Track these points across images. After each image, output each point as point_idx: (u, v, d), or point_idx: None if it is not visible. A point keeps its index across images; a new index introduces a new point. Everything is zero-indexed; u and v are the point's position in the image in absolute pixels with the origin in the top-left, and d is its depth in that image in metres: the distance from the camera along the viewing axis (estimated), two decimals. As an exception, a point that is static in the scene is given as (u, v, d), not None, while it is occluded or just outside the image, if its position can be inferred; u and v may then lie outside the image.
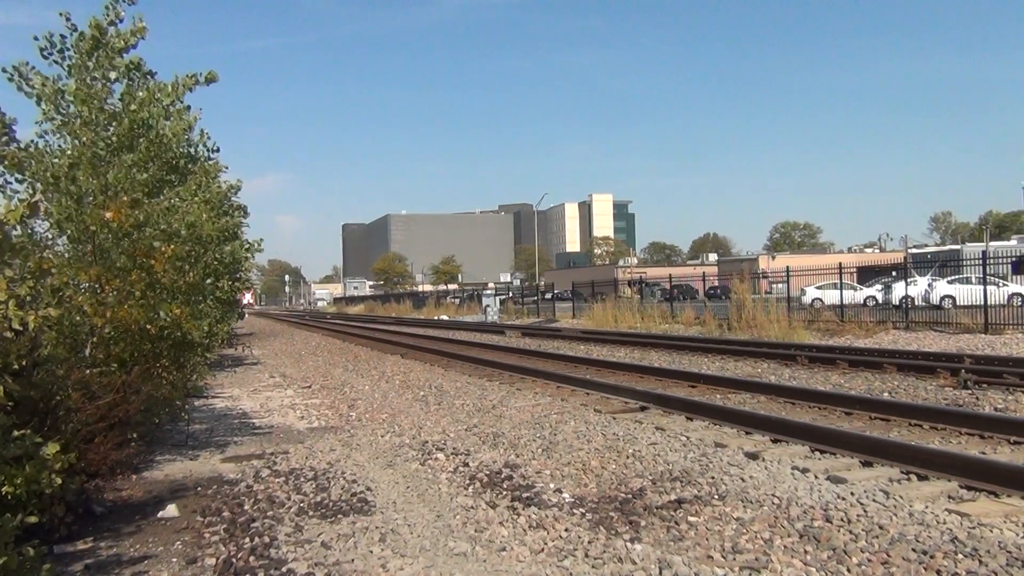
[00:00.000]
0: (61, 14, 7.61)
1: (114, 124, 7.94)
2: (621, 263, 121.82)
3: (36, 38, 7.59)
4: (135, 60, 8.00)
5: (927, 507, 5.60)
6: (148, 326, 7.90)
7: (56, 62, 7.79)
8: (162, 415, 9.21)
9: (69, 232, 7.68)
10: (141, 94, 8.12)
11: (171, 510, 6.53)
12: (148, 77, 8.56)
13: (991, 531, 5.08)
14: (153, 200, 8.12)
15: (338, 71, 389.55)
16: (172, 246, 7.73)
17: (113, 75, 7.89)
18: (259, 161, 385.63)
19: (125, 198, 7.09)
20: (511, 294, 63.87)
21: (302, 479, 7.39)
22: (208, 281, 9.59)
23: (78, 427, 6.49)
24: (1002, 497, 5.78)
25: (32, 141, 7.66)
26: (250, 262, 18.60)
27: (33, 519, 4.56)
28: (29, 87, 7.63)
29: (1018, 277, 30.91)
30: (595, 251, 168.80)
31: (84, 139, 7.47)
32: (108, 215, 6.97)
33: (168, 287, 8.11)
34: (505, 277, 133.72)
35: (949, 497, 5.93)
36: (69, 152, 7.54)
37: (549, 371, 14.80)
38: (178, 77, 8.50)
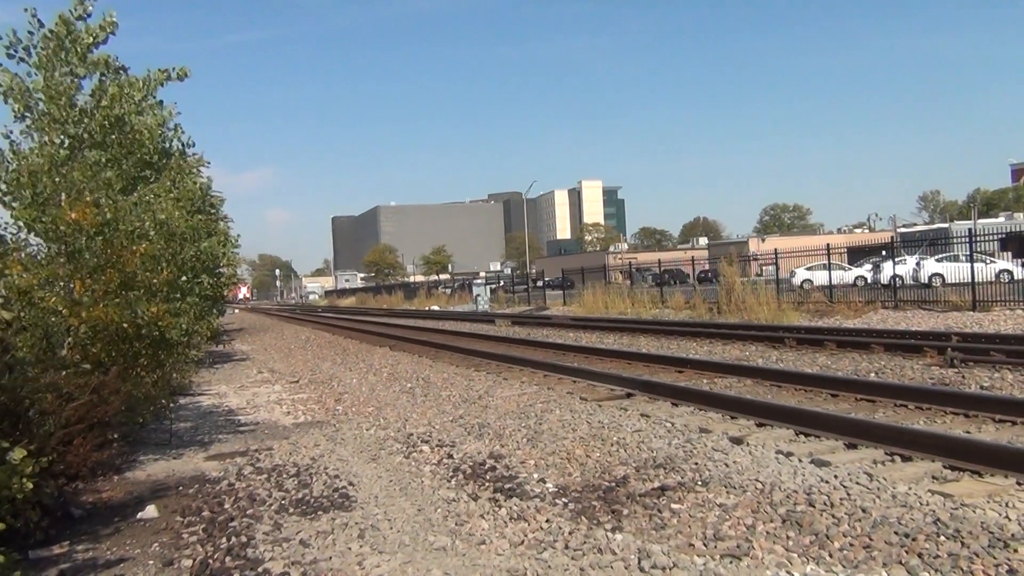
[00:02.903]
0: (26, 10, 7.47)
1: (85, 120, 7.81)
2: (612, 249, 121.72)
3: (0, 37, 7.46)
4: (103, 57, 7.86)
5: (910, 489, 5.56)
6: (125, 325, 7.80)
7: (23, 59, 7.67)
8: (146, 415, 9.13)
9: (40, 233, 7.57)
10: (112, 90, 7.99)
11: (151, 511, 6.45)
12: (120, 73, 8.44)
13: (974, 512, 5.05)
14: (120, 198, 7.99)
15: (325, 64, 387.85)
16: (144, 244, 7.62)
17: (82, 71, 7.76)
18: (247, 156, 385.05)
19: (88, 198, 6.97)
20: (502, 283, 63.77)
21: (284, 476, 7.33)
22: (183, 279, 9.48)
23: (53, 430, 6.41)
24: (985, 477, 5.74)
25: None
26: (236, 257, 18.47)
27: (0, 526, 4.47)
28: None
29: (1005, 254, 31.00)
30: (586, 238, 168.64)
31: (52, 138, 7.34)
32: (73, 215, 6.87)
33: (144, 285, 8.01)
34: (496, 266, 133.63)
35: (933, 478, 5.89)
36: (36, 151, 7.41)
37: (537, 360, 14.75)
38: (150, 72, 8.39)
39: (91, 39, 8.10)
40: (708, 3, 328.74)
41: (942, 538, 4.61)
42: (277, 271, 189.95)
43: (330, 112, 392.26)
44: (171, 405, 10.62)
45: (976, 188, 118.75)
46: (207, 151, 10.97)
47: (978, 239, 25.28)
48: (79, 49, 8.01)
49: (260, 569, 4.81)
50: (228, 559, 5.05)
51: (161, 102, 9.39)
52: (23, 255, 7.32)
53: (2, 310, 4.55)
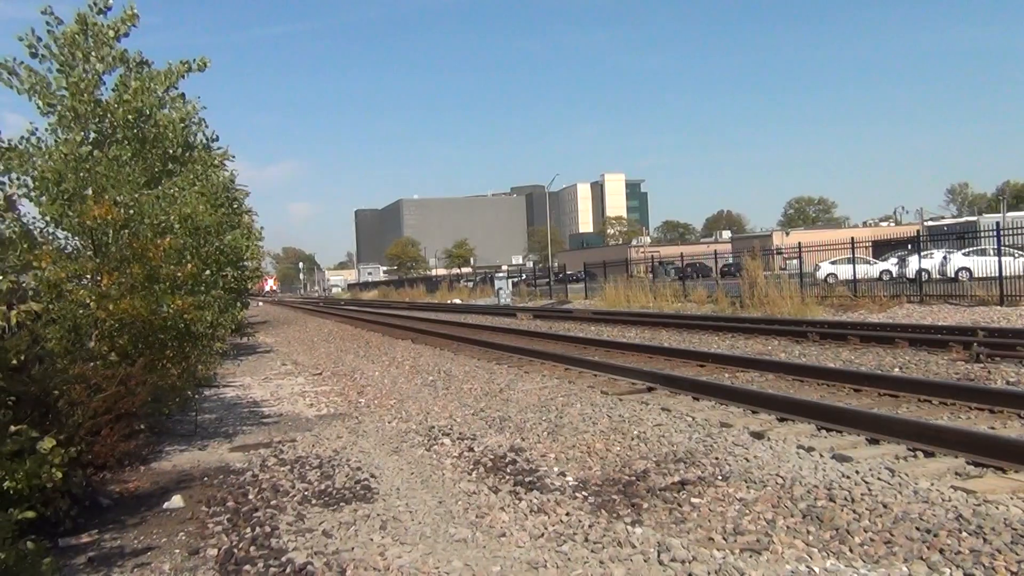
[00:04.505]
0: (43, 12, 7.59)
1: (108, 116, 7.92)
2: (634, 242, 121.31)
3: (21, 39, 7.58)
4: (120, 52, 7.96)
5: (932, 484, 5.53)
6: (151, 318, 7.91)
7: (44, 57, 7.79)
8: (172, 406, 9.25)
9: (67, 228, 7.69)
10: (135, 83, 8.09)
11: (176, 501, 6.56)
12: (143, 66, 8.54)
13: (997, 508, 5.01)
14: (145, 192, 8.10)
15: (348, 57, 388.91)
16: (168, 238, 7.72)
17: (101, 67, 7.86)
18: (272, 149, 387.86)
19: (108, 196, 7.08)
20: (524, 276, 63.79)
21: (307, 467, 7.41)
22: (207, 272, 9.59)
23: (82, 420, 6.52)
24: (1009, 473, 5.70)
25: (23, 137, 7.66)
26: (259, 250, 18.62)
27: (30, 514, 4.57)
28: (19, 82, 7.62)
29: (1035, 247, 30.55)
30: (608, 231, 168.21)
31: (76, 134, 7.46)
32: (97, 212, 6.97)
33: (169, 278, 8.11)
34: (518, 259, 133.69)
35: (955, 474, 5.86)
36: (60, 147, 7.53)
37: (558, 353, 14.77)
38: (171, 64, 8.48)
39: (113, 33, 8.20)
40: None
41: (964, 534, 4.59)
42: (300, 264, 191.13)
43: (353, 105, 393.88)
44: (196, 397, 10.77)
45: (1005, 180, 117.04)
46: (232, 145, 11.19)
47: (1007, 232, 24.95)
48: (100, 44, 8.11)
49: (284, 559, 4.88)
50: (252, 548, 5.13)
51: (184, 95, 9.51)
52: (51, 249, 7.44)
53: (32, 302, 4.63)
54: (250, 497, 6.48)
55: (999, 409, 7.82)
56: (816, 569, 4.30)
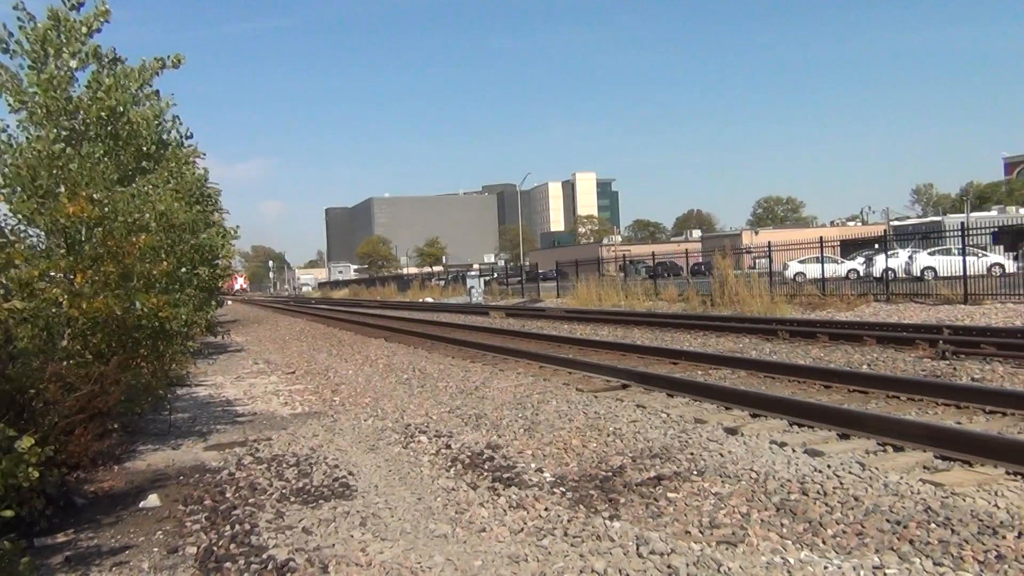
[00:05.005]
0: (15, 7, 7.50)
1: (81, 112, 7.84)
2: (605, 241, 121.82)
3: None
4: (93, 48, 7.88)
5: (902, 478, 5.67)
6: (125, 316, 7.85)
7: (16, 52, 7.69)
8: (145, 405, 9.17)
9: (41, 225, 7.61)
10: (108, 80, 8.01)
11: (153, 500, 6.52)
12: (116, 63, 8.46)
13: (964, 500, 5.16)
14: (118, 189, 8.02)
15: (320, 54, 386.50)
16: (144, 236, 7.66)
17: (74, 63, 7.78)
18: (241, 147, 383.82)
19: (83, 193, 7.01)
20: (496, 275, 63.81)
21: (284, 465, 7.40)
22: (183, 270, 9.52)
23: (57, 419, 6.46)
24: (975, 466, 5.85)
25: None
26: (231, 248, 18.49)
27: (9, 513, 4.54)
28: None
29: (998, 247, 31.20)
30: (579, 230, 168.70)
31: (48, 131, 7.37)
32: (71, 210, 6.91)
33: (143, 276, 8.05)
34: (490, 258, 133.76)
35: (924, 467, 6.00)
36: (33, 144, 7.44)
37: (532, 351, 14.84)
38: (144, 61, 8.42)
39: (85, 29, 8.11)
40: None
41: (933, 525, 4.72)
42: (270, 262, 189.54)
43: (324, 103, 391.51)
44: (169, 396, 10.68)
45: (969, 181, 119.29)
46: (201, 142, 11.05)
47: (970, 233, 25.46)
48: (72, 39, 8.02)
49: (265, 556, 4.89)
50: (232, 546, 5.13)
51: (157, 92, 9.43)
52: (23, 247, 7.36)
53: (16, 301, 4.59)
54: (228, 495, 6.47)
55: (965, 404, 8.01)
56: (791, 560, 4.40)
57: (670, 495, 5.67)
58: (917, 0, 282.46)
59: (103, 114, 8.11)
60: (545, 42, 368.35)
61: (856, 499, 5.27)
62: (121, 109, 8.30)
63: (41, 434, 5.87)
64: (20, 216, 7.61)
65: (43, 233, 7.86)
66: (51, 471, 5.88)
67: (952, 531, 4.62)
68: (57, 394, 6.57)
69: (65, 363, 7.10)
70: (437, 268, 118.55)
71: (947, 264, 27.38)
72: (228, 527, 5.56)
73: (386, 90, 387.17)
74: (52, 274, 7.47)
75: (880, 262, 30.02)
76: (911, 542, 4.52)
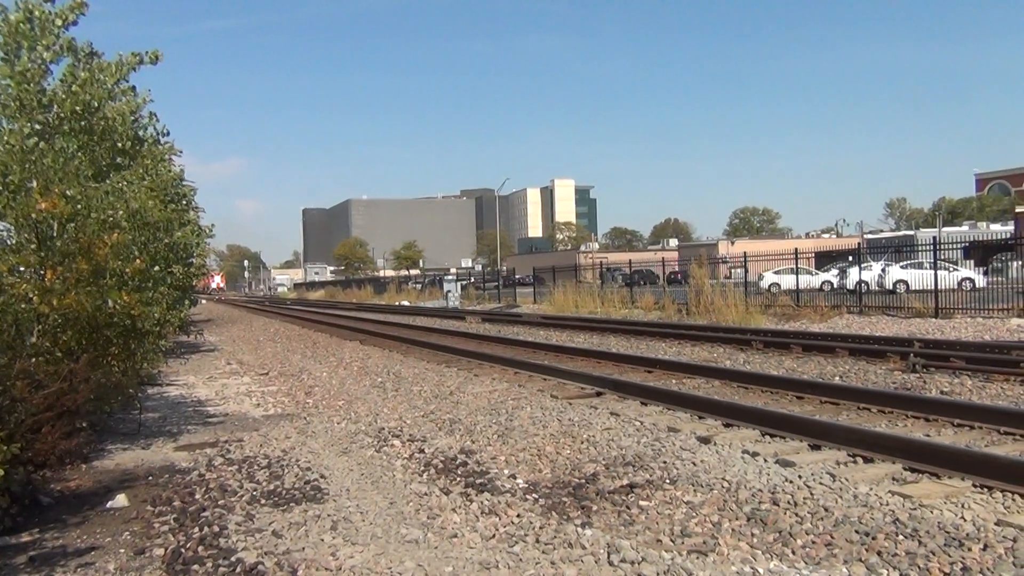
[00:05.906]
0: None
1: (55, 106, 7.74)
2: (583, 248, 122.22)
3: None
4: (67, 40, 7.79)
5: (871, 489, 5.72)
6: (96, 313, 7.74)
7: None
8: (114, 404, 9.06)
9: (11, 220, 7.49)
10: (83, 74, 7.92)
11: (120, 500, 6.44)
12: (92, 57, 8.36)
13: (931, 512, 5.21)
14: (92, 186, 7.92)
15: (299, 54, 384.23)
16: (116, 234, 7.56)
17: (48, 56, 7.68)
18: (217, 145, 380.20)
19: (56, 189, 6.92)
20: (473, 279, 63.75)
21: (255, 467, 7.33)
22: (156, 268, 9.42)
23: (24, 417, 6.37)
24: (943, 479, 5.92)
25: None
26: (206, 247, 18.34)
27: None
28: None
29: (968, 262, 31.61)
30: (557, 236, 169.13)
31: (19, 126, 7.26)
32: (43, 205, 6.81)
33: (116, 274, 7.95)
34: (467, 262, 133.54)
35: (893, 479, 6.07)
36: (7, 139, 7.33)
37: (508, 357, 14.82)
38: (121, 56, 8.31)
39: (60, 21, 8.01)
40: (684, 6, 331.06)
41: (901, 537, 4.77)
42: (246, 262, 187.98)
43: (303, 103, 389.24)
44: (139, 395, 10.56)
45: (941, 197, 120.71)
46: (178, 139, 10.93)
47: (942, 247, 25.77)
48: (47, 31, 7.91)
49: (233, 559, 4.83)
50: (201, 548, 5.07)
51: (134, 88, 9.32)
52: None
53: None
54: (197, 497, 6.40)
55: (934, 417, 8.10)
56: (760, 570, 4.42)
57: (642, 503, 5.69)
58: (892, 16, 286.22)
59: (78, 108, 8.01)
60: (526, 48, 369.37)
61: (826, 510, 5.31)
62: (96, 104, 8.20)
63: (7, 431, 5.79)
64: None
65: (13, 228, 7.74)
66: (17, 469, 5.79)
67: (919, 543, 4.67)
68: (25, 391, 6.48)
69: (34, 360, 7.01)
70: (414, 271, 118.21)
71: (919, 278, 27.69)
72: (197, 529, 5.50)
73: (366, 92, 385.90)
74: (22, 269, 7.36)
75: (853, 274, 30.32)
76: (879, 553, 4.56)
